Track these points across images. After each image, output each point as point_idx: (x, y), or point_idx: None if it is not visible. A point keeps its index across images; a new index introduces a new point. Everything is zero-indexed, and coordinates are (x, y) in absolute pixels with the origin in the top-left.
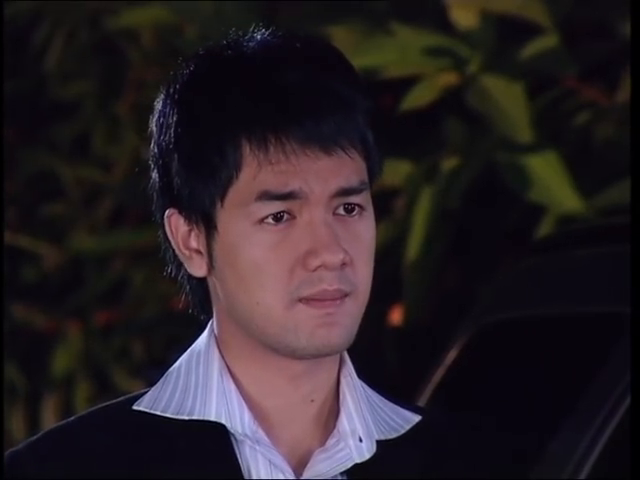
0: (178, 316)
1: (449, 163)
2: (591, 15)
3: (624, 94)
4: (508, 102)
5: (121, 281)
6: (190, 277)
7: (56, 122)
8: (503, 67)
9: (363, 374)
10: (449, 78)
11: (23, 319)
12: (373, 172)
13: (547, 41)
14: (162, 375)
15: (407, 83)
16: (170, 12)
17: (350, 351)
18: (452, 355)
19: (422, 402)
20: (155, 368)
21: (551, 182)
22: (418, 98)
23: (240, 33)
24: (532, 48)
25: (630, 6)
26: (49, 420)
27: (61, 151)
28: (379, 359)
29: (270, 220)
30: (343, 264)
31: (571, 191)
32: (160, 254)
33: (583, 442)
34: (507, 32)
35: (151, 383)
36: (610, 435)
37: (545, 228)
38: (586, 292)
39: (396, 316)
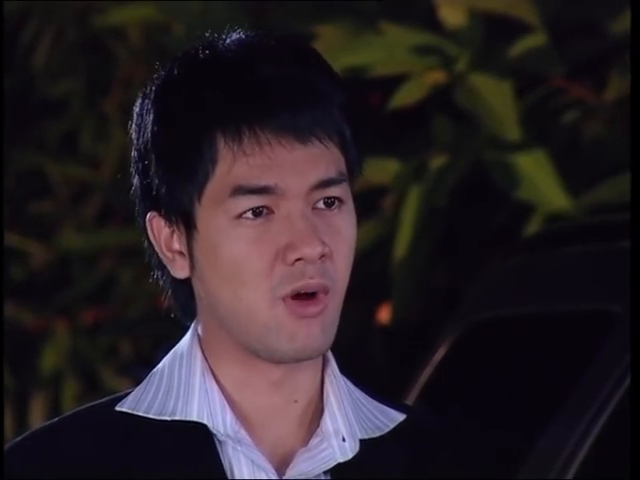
0: (166, 314)
1: (437, 161)
2: (579, 13)
3: (612, 92)
4: (496, 100)
5: (109, 279)
6: (173, 280)
7: (44, 120)
8: (491, 65)
9: (350, 373)
10: (437, 76)
11: (11, 317)
12: (352, 167)
13: (535, 39)
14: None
15: (395, 81)
16: (158, 11)
17: (338, 350)
18: (440, 353)
19: (410, 401)
20: (143, 366)
21: (539, 180)
22: (406, 96)
23: (217, 34)
24: (520, 46)
25: (630, 6)
26: (37, 418)
27: (49, 149)
28: (367, 358)
29: (249, 215)
30: (323, 256)
31: (559, 189)
32: (146, 258)
33: (571, 440)
34: (495, 31)
35: (139, 381)
36: (598, 433)
37: (533, 226)
38: (574, 290)
39: (384, 315)
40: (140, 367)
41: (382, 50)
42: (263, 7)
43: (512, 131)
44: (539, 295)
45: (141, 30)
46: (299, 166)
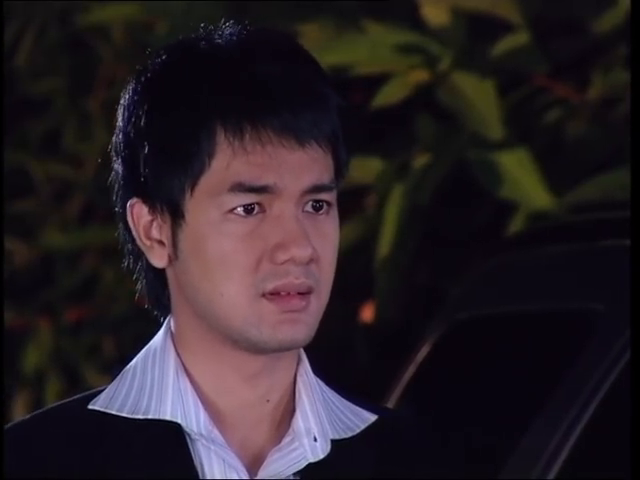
0: (148, 313)
1: (420, 160)
2: (562, 12)
3: (595, 91)
4: (479, 99)
5: (91, 278)
6: (148, 270)
7: (26, 119)
8: (474, 64)
9: (334, 371)
10: (420, 75)
11: None
12: (340, 171)
13: (518, 38)
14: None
15: (378, 80)
16: (141, 10)
17: (321, 348)
18: (423, 352)
19: (393, 399)
20: (126, 365)
21: (522, 179)
22: (389, 95)
23: (211, 27)
24: (503, 45)
25: (631, 6)
26: (19, 417)
27: (32, 148)
28: (350, 357)
29: (240, 211)
30: (310, 260)
31: (542, 188)
32: (119, 245)
33: (553, 439)
34: (478, 29)
35: None
36: (580, 432)
37: (516, 225)
38: (557, 289)
39: (367, 313)
40: (123, 366)
41: (365, 49)
42: (245, 6)
43: (495, 130)
44: (522, 294)
45: (124, 29)
46: (297, 168)
